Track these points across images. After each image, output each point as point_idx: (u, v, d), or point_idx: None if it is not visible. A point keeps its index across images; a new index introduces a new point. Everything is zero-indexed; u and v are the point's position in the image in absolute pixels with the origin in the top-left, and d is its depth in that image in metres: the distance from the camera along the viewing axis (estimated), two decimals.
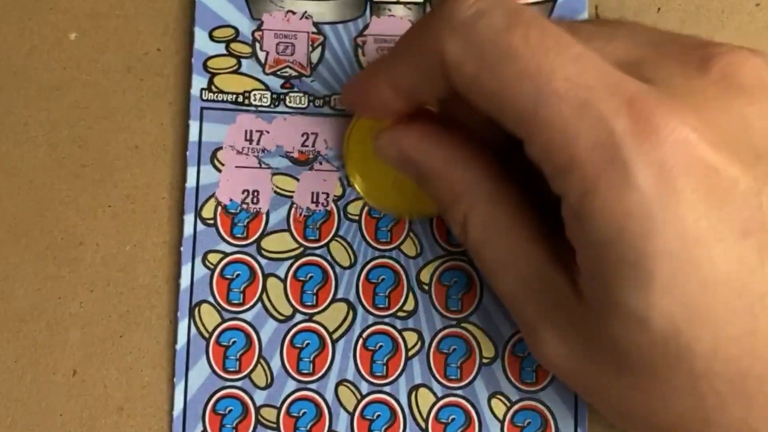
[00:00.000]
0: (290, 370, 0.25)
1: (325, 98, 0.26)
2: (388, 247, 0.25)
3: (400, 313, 0.25)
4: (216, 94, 0.25)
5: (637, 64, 0.19)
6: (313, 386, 0.25)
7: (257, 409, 0.25)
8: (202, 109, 0.25)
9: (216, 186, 0.25)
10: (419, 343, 0.25)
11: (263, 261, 0.25)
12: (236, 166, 0.25)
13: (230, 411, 0.25)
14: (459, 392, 0.25)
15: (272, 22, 0.26)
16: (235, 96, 0.25)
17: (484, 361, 0.25)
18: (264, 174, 0.25)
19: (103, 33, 0.26)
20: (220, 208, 0.25)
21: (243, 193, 0.25)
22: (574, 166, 0.18)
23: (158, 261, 0.25)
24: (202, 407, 0.25)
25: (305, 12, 0.26)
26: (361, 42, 0.26)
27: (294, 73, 0.26)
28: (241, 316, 0.25)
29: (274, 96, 0.26)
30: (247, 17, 0.26)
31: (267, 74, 0.26)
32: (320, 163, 0.25)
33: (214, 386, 0.25)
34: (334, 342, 0.25)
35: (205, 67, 0.25)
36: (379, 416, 0.25)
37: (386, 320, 0.25)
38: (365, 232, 0.25)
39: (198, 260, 0.25)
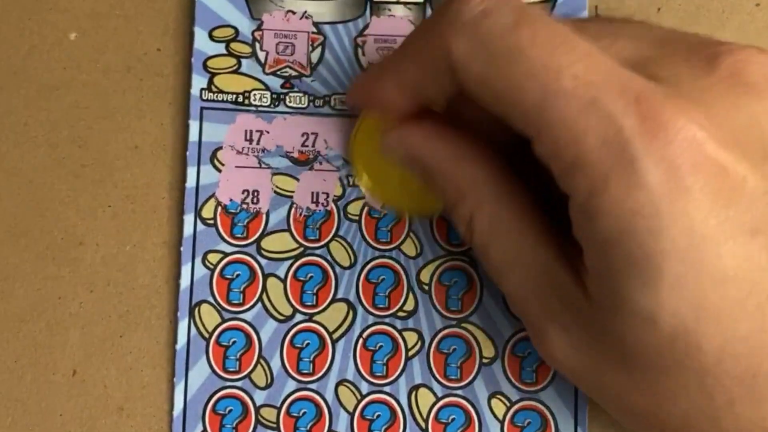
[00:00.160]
0: (290, 370, 0.25)
1: (325, 98, 0.26)
2: (388, 247, 0.25)
3: (400, 313, 0.25)
4: (216, 94, 0.25)
5: (644, 62, 0.19)
6: (313, 386, 0.25)
7: (257, 409, 0.25)
8: (202, 109, 0.25)
9: (216, 186, 0.25)
10: (419, 343, 0.25)
11: (263, 261, 0.25)
12: (236, 166, 0.25)
13: (230, 411, 0.25)
14: (459, 392, 0.25)
15: (272, 22, 0.26)
16: (235, 96, 0.25)
17: (484, 361, 0.25)
18: (264, 174, 0.25)
19: (103, 33, 0.26)
20: (220, 208, 0.25)
21: (243, 193, 0.25)
22: (582, 163, 0.18)
23: (158, 261, 0.25)
24: (202, 407, 0.25)
25: (305, 12, 0.26)
26: (361, 42, 0.26)
27: (294, 73, 0.26)
28: (241, 316, 0.25)
29: (274, 96, 0.26)
30: (247, 17, 0.26)
31: (267, 74, 0.26)
32: (320, 163, 0.25)
33: (214, 386, 0.25)
34: (334, 342, 0.25)
35: (205, 67, 0.25)
36: (379, 416, 0.25)
37: (386, 320, 0.25)
38: (365, 232, 0.25)
39: (198, 260, 0.25)
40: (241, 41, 0.26)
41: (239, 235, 0.25)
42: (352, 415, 0.25)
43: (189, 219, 0.25)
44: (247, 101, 0.25)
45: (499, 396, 0.25)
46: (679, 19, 0.26)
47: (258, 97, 0.25)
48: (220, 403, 0.25)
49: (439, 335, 0.25)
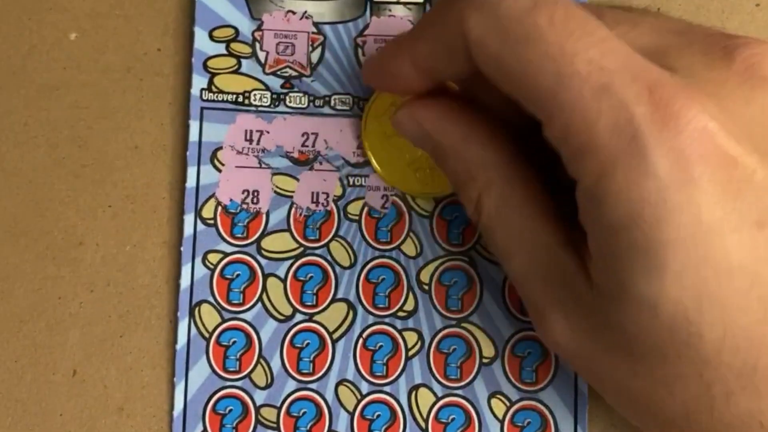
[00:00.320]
0: (290, 370, 0.25)
1: (325, 98, 0.26)
2: (388, 247, 0.25)
3: (400, 313, 0.25)
4: (216, 94, 0.25)
5: (660, 51, 0.19)
6: (313, 386, 0.25)
7: (257, 409, 0.25)
8: (202, 109, 0.25)
9: (216, 186, 0.25)
10: (419, 343, 0.25)
11: (263, 261, 0.25)
12: (236, 166, 0.25)
13: (230, 411, 0.25)
14: (459, 392, 0.25)
15: (272, 22, 0.26)
16: (235, 96, 0.25)
17: (484, 360, 0.25)
18: (264, 174, 0.25)
19: (103, 33, 0.26)
20: (220, 208, 0.25)
21: (243, 193, 0.25)
22: (591, 148, 0.18)
23: (158, 261, 0.25)
24: (202, 407, 0.25)
25: (305, 12, 0.26)
26: (361, 42, 0.26)
27: (294, 73, 0.26)
28: (241, 316, 0.25)
29: (274, 96, 0.26)
30: (247, 17, 0.26)
31: (267, 74, 0.26)
32: (320, 163, 0.25)
33: (214, 386, 0.25)
34: (334, 342, 0.25)
35: (205, 67, 0.25)
36: (379, 416, 0.25)
37: (386, 320, 0.25)
38: (365, 232, 0.25)
39: (198, 260, 0.25)
40: (241, 41, 0.26)
41: (239, 235, 0.25)
42: (352, 414, 0.25)
43: (189, 219, 0.25)
44: (247, 101, 0.25)
45: (499, 396, 0.25)
46: (679, 18, 0.26)
47: (258, 97, 0.25)
48: (220, 402, 0.25)
49: (439, 335, 0.25)
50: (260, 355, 0.25)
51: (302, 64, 0.26)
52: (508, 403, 0.25)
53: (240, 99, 0.25)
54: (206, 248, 0.25)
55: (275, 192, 0.25)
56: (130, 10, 0.26)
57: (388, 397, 0.25)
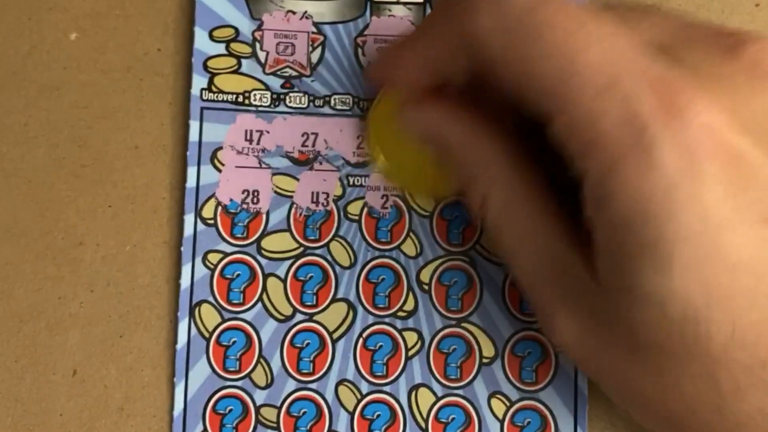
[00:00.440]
0: (290, 370, 0.25)
1: (325, 98, 0.26)
2: (388, 247, 0.25)
3: (400, 313, 0.25)
4: (216, 94, 0.25)
5: (666, 46, 0.19)
6: (313, 386, 0.25)
7: (257, 409, 0.25)
8: (202, 109, 0.25)
9: (216, 186, 0.25)
10: (419, 343, 0.25)
11: (263, 261, 0.25)
12: (236, 166, 0.25)
13: (230, 411, 0.25)
14: (459, 392, 0.25)
15: (272, 22, 0.26)
16: (235, 96, 0.25)
17: (484, 360, 0.25)
18: (264, 174, 0.25)
19: (103, 33, 0.26)
20: (220, 208, 0.25)
21: (243, 193, 0.25)
22: (597, 145, 0.18)
23: (158, 261, 0.25)
24: (202, 407, 0.25)
25: (305, 12, 0.26)
26: (361, 42, 0.26)
27: (294, 73, 0.26)
28: (241, 316, 0.25)
29: (274, 96, 0.26)
30: (247, 17, 0.26)
31: (267, 74, 0.26)
32: (320, 163, 0.25)
33: (214, 386, 0.25)
34: (334, 342, 0.25)
35: (205, 67, 0.25)
36: (379, 416, 0.25)
37: (386, 320, 0.25)
38: (365, 232, 0.25)
39: (198, 260, 0.25)
40: (241, 41, 0.26)
41: (239, 235, 0.25)
42: (352, 414, 0.25)
43: (189, 219, 0.25)
44: (247, 101, 0.25)
45: (498, 396, 0.25)
46: None
47: (258, 97, 0.25)
48: (220, 402, 0.25)
49: (439, 335, 0.25)
50: (260, 355, 0.25)
51: (302, 64, 0.26)
52: (508, 403, 0.25)
53: (240, 99, 0.25)
54: (206, 248, 0.25)
55: (275, 192, 0.25)
56: (130, 10, 0.26)
57: (388, 397, 0.25)
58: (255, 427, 0.25)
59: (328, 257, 0.25)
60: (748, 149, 0.17)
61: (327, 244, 0.25)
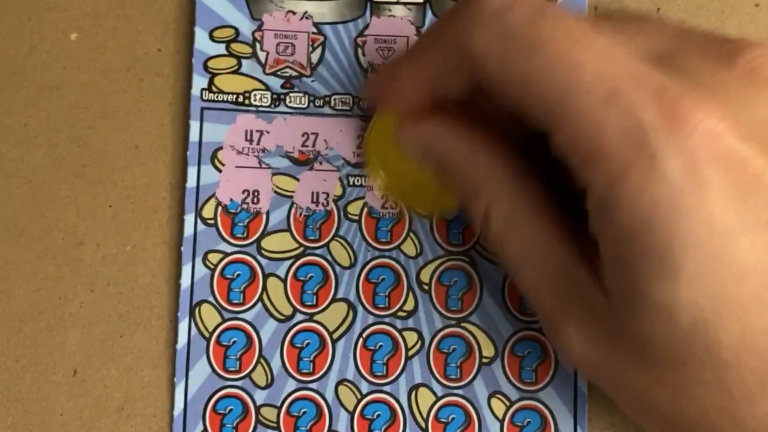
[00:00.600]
0: (290, 370, 0.25)
1: (326, 98, 0.26)
2: (388, 247, 0.25)
3: (400, 313, 0.25)
4: (216, 94, 0.25)
5: (663, 57, 0.19)
6: (313, 386, 0.25)
7: (257, 409, 0.25)
8: (202, 109, 0.25)
9: (216, 186, 0.25)
10: (419, 343, 0.25)
11: (263, 261, 0.25)
12: (236, 166, 0.25)
13: (230, 410, 0.25)
14: (459, 392, 0.25)
15: (272, 22, 0.26)
16: (235, 96, 0.25)
17: (484, 360, 0.25)
18: (264, 174, 0.25)
19: (103, 33, 0.26)
20: (220, 208, 0.25)
21: (243, 193, 0.25)
22: (601, 156, 0.18)
23: (158, 261, 0.26)
24: (202, 407, 0.25)
25: (305, 12, 0.26)
26: (361, 42, 0.26)
27: (294, 73, 0.26)
28: (242, 315, 0.25)
29: (274, 96, 0.26)
30: (248, 17, 0.26)
31: (267, 74, 0.26)
32: (320, 163, 0.25)
33: (214, 386, 0.25)
34: (334, 342, 0.25)
35: (205, 67, 0.25)
36: (379, 416, 0.25)
37: (386, 320, 0.25)
38: (365, 232, 0.25)
39: (198, 260, 0.25)
40: (241, 41, 0.26)
41: (239, 235, 0.25)
42: (352, 414, 0.25)
43: (189, 219, 0.25)
44: (247, 101, 0.25)
45: (498, 395, 0.25)
46: (679, 19, 0.26)
47: (258, 97, 0.25)
48: (220, 402, 0.25)
49: (439, 335, 0.25)
50: (260, 355, 0.25)
51: (302, 64, 0.26)
52: (507, 403, 0.25)
53: (240, 99, 0.25)
54: (206, 248, 0.25)
55: (275, 192, 0.25)
56: (130, 10, 0.26)
57: (388, 397, 0.25)
58: (255, 427, 0.25)
59: (328, 257, 0.25)
60: (751, 155, 0.18)
61: (327, 244, 0.25)
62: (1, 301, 0.25)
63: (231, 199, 0.25)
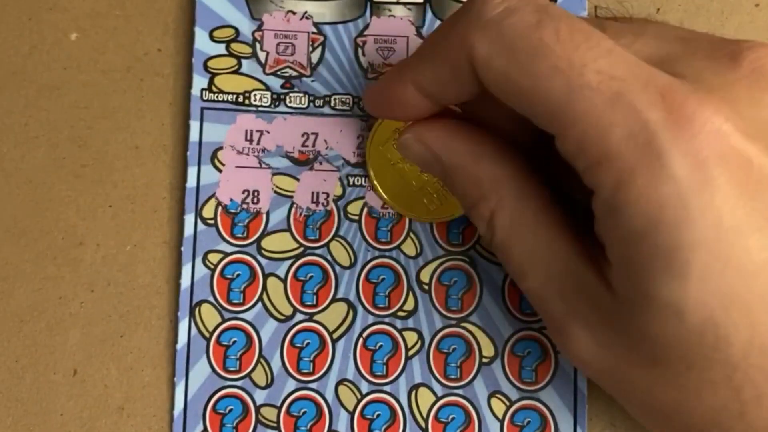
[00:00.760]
0: (290, 370, 0.25)
1: (326, 98, 0.26)
2: (388, 247, 0.25)
3: (400, 313, 0.25)
4: (216, 94, 0.25)
5: (666, 59, 0.19)
6: (313, 386, 0.25)
7: (257, 409, 0.25)
8: (202, 109, 0.25)
9: (216, 186, 0.25)
10: (419, 343, 0.25)
11: (263, 261, 0.25)
12: (236, 166, 0.25)
13: (230, 410, 0.25)
14: (459, 392, 0.25)
15: (272, 22, 0.26)
16: (235, 96, 0.25)
17: (484, 360, 0.25)
18: (264, 174, 0.25)
19: (103, 33, 0.26)
20: (220, 208, 0.25)
21: (243, 193, 0.25)
22: (608, 157, 0.18)
23: (158, 261, 0.26)
24: (202, 407, 0.25)
25: (305, 12, 0.26)
26: (361, 42, 0.26)
27: (294, 73, 0.26)
28: (242, 315, 0.25)
29: (275, 96, 0.26)
30: (248, 17, 0.26)
31: (267, 74, 0.26)
32: (320, 163, 0.25)
33: (214, 386, 0.25)
34: (334, 342, 0.25)
35: (205, 67, 0.25)
36: (379, 416, 0.25)
37: (386, 320, 0.25)
38: (365, 232, 0.25)
39: (198, 260, 0.25)
40: (241, 41, 0.26)
41: (239, 235, 0.25)
42: (352, 414, 0.25)
43: (189, 219, 0.25)
44: (247, 101, 0.25)
45: (498, 395, 0.25)
46: (679, 19, 0.26)
47: (258, 97, 0.25)
48: (220, 402, 0.25)
49: (439, 335, 0.25)
50: (260, 355, 0.25)
51: (302, 64, 0.26)
52: (507, 403, 0.25)
53: (240, 99, 0.25)
54: (206, 248, 0.25)
55: (275, 192, 0.25)
56: (130, 10, 0.26)
57: (388, 397, 0.25)
58: (255, 427, 0.25)
59: (328, 257, 0.25)
60: (757, 154, 0.18)
61: (327, 244, 0.25)
62: (1, 301, 0.25)
63: (231, 199, 0.25)
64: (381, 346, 0.25)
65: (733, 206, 0.17)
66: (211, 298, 0.25)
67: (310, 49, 0.26)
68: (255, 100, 0.25)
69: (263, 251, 0.25)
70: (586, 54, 0.18)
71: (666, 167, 0.17)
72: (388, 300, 0.25)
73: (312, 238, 0.25)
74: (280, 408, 0.25)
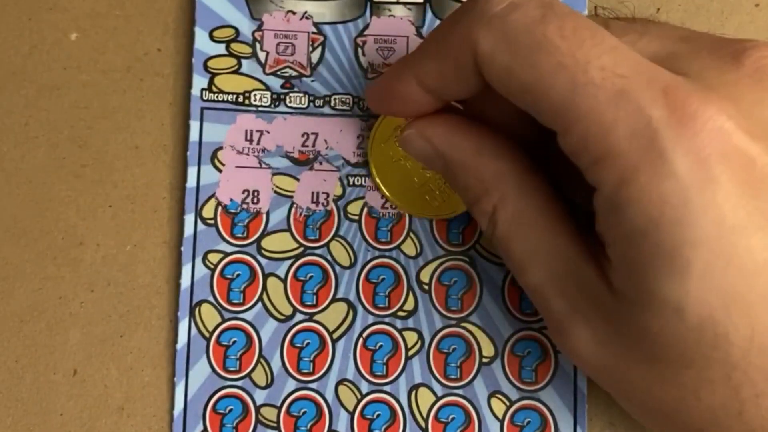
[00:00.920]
0: (290, 370, 0.25)
1: (326, 98, 0.26)
2: (388, 247, 0.25)
3: (400, 313, 0.25)
4: (216, 94, 0.25)
5: (669, 58, 0.19)
6: (313, 386, 0.25)
7: (257, 409, 0.25)
8: (202, 109, 0.25)
9: (216, 186, 0.25)
10: (419, 343, 0.25)
11: (263, 261, 0.25)
12: (236, 166, 0.25)
13: (230, 410, 0.25)
14: (459, 392, 0.25)
15: (272, 22, 0.26)
16: (235, 96, 0.25)
17: (484, 360, 0.25)
18: (264, 174, 0.25)
19: (103, 33, 0.26)
20: (220, 208, 0.25)
21: (243, 193, 0.25)
22: (611, 155, 0.18)
23: (158, 261, 0.26)
24: (202, 407, 0.25)
25: (305, 12, 0.26)
26: (361, 42, 0.26)
27: (294, 73, 0.26)
28: (242, 315, 0.25)
29: (274, 96, 0.26)
30: (248, 17, 0.26)
31: (267, 74, 0.26)
32: (320, 163, 0.25)
33: (214, 386, 0.25)
34: (334, 342, 0.25)
35: (205, 67, 0.25)
36: (379, 416, 0.25)
37: (386, 320, 0.25)
38: (365, 232, 0.25)
39: (198, 260, 0.25)
40: (241, 41, 0.26)
41: (239, 235, 0.25)
42: (352, 414, 0.25)
43: (189, 219, 0.25)
44: (247, 101, 0.25)
45: (498, 395, 0.25)
46: (679, 19, 0.26)
47: (258, 97, 0.25)
48: (220, 402, 0.25)
49: (439, 335, 0.25)
50: (260, 355, 0.25)
51: (302, 64, 0.26)
52: (507, 403, 0.25)
53: (240, 99, 0.25)
54: (206, 248, 0.25)
55: (275, 192, 0.25)
56: (130, 10, 0.26)
57: (388, 397, 0.25)
58: (255, 427, 0.25)
59: (328, 257, 0.25)
60: (759, 153, 0.18)
61: (327, 244, 0.25)
62: (1, 301, 0.25)
63: (231, 199, 0.25)
64: (381, 346, 0.25)
65: (735, 205, 0.17)
66: (211, 298, 0.25)
67: (310, 49, 0.26)
68: (255, 100, 0.25)
69: (263, 251, 0.25)
70: (590, 51, 0.18)
71: (668, 165, 0.17)
72: (388, 300, 0.25)
73: (312, 238, 0.25)
74: (280, 408, 0.25)
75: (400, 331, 0.25)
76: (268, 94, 0.26)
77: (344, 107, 0.26)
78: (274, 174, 0.25)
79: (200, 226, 0.25)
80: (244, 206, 0.25)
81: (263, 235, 0.25)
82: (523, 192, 0.21)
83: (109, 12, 0.26)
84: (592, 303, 0.20)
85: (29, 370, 0.25)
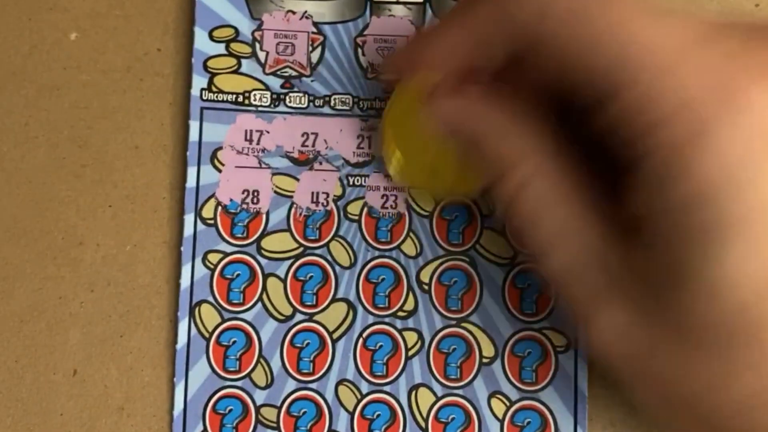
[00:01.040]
0: (290, 370, 0.25)
1: (325, 98, 0.26)
2: (388, 247, 0.25)
3: (400, 313, 0.25)
4: (216, 94, 0.25)
5: (714, 38, 0.19)
6: (313, 386, 0.25)
7: (257, 409, 0.25)
8: (202, 109, 0.25)
9: (216, 186, 0.25)
10: (419, 343, 0.25)
11: (263, 261, 0.25)
12: (236, 166, 0.25)
13: (230, 410, 0.25)
14: (459, 392, 0.25)
15: (272, 22, 0.26)
16: (235, 96, 0.25)
17: (484, 360, 0.25)
18: (264, 174, 0.25)
19: (103, 33, 0.26)
20: (220, 208, 0.25)
21: (243, 193, 0.25)
22: (662, 124, 0.17)
23: (158, 261, 0.26)
24: (202, 407, 0.25)
25: (305, 12, 0.26)
26: (361, 42, 0.26)
27: (294, 73, 0.26)
28: (241, 316, 0.25)
29: (274, 96, 0.26)
30: (247, 17, 0.26)
31: (267, 74, 0.26)
32: (320, 163, 0.25)
33: (214, 386, 0.25)
34: (334, 342, 0.25)
35: (205, 67, 0.25)
36: (379, 416, 0.25)
37: (386, 320, 0.25)
38: (365, 232, 0.25)
39: (198, 260, 0.25)
40: (241, 41, 0.26)
41: (239, 235, 0.25)
42: (352, 414, 0.25)
43: (189, 219, 0.25)
44: (247, 101, 0.25)
45: (498, 395, 0.25)
46: None
47: (258, 97, 0.25)
48: (220, 402, 0.25)
49: (439, 335, 0.25)
50: (260, 355, 0.25)
51: (302, 64, 0.26)
52: (507, 403, 0.25)
53: (240, 99, 0.25)
54: (206, 248, 0.25)
55: (275, 192, 0.25)
56: (130, 10, 0.26)
57: (388, 397, 0.25)
58: (255, 427, 0.25)
59: (328, 257, 0.25)
60: None
61: (327, 244, 0.25)
62: (1, 301, 0.25)
63: (231, 199, 0.25)
64: (381, 346, 0.25)
65: None
66: (210, 298, 0.25)
67: (310, 48, 0.26)
68: (255, 100, 0.25)
69: (263, 251, 0.25)
70: (644, 18, 0.18)
71: (719, 140, 0.17)
72: (388, 300, 0.25)
73: (312, 238, 0.25)
74: (280, 408, 0.25)
75: (400, 331, 0.25)
76: (267, 94, 0.26)
77: (344, 107, 0.25)
78: (274, 174, 0.25)
79: (200, 226, 0.25)
80: (244, 206, 0.25)
81: (263, 235, 0.25)
82: (551, 170, 0.21)
83: (109, 12, 0.26)
84: (623, 284, 0.19)
85: (29, 370, 0.25)
